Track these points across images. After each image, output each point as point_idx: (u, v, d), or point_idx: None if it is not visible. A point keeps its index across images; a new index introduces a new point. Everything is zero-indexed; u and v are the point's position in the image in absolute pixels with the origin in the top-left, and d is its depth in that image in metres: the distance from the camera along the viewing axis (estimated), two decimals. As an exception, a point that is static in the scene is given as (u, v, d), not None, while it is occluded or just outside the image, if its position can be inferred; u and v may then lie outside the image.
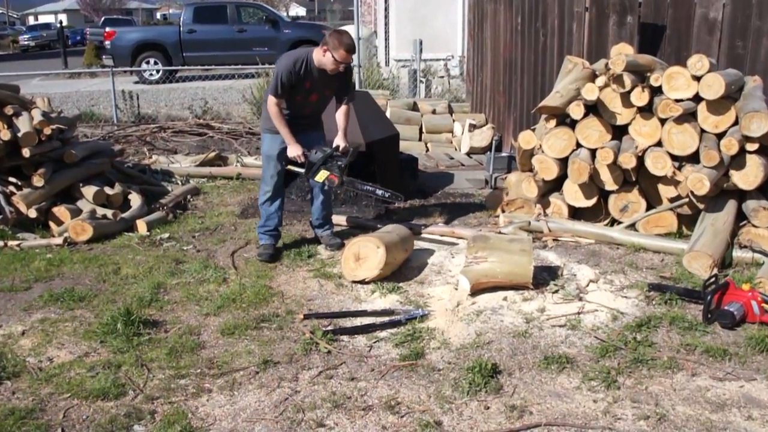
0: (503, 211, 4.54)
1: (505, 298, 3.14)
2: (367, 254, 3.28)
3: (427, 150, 7.29)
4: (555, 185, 4.50)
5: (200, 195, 5.27)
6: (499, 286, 3.19)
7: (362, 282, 3.31)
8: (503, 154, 5.82)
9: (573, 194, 4.24)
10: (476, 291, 3.15)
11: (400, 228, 3.67)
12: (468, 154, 6.93)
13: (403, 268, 3.58)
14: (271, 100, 3.45)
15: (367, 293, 3.25)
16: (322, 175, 3.54)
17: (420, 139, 7.43)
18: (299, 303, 3.14)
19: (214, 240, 4.12)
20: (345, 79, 3.56)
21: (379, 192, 3.48)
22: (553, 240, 4.03)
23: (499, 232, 3.97)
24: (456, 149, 7.25)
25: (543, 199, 4.47)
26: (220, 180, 5.79)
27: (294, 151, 3.56)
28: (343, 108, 3.65)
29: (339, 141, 3.62)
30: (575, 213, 4.40)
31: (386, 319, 2.92)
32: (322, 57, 3.39)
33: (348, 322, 2.93)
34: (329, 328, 2.85)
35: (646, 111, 3.98)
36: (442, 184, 5.75)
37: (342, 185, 3.52)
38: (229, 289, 3.28)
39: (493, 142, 5.77)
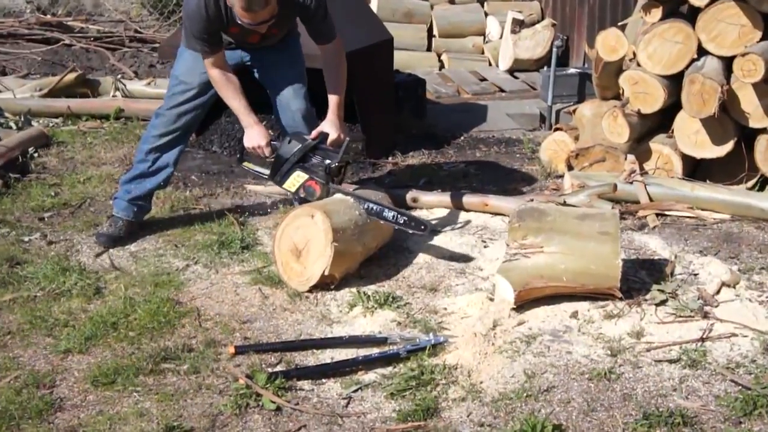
0: (570, 168, 4.54)
1: (574, 314, 3.16)
2: (305, 237, 3.31)
3: (442, 66, 7.25)
4: (659, 122, 4.50)
5: (52, 147, 5.21)
6: (565, 293, 3.20)
7: (325, 285, 3.34)
8: (571, 71, 5.81)
9: (691, 137, 4.25)
10: (525, 302, 3.16)
11: (369, 194, 3.70)
12: (511, 71, 6.90)
13: (401, 267, 3.59)
14: (207, 62, 3.51)
15: (343, 308, 3.26)
16: (295, 181, 3.59)
17: (429, 48, 7.39)
18: (227, 328, 3.13)
19: (78, 224, 4.10)
20: (305, 14, 3.54)
21: (389, 214, 3.49)
22: (657, 215, 4.06)
23: (564, 203, 3.97)
24: (491, 64, 7.22)
25: (639, 145, 4.48)
26: (86, 121, 5.73)
27: (254, 138, 3.62)
28: (331, 58, 3.66)
29: (327, 126, 3.65)
30: (695, 168, 4.41)
31: (375, 351, 2.93)
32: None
33: (311, 358, 2.94)
34: (279, 368, 2.85)
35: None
36: (467, 124, 5.74)
37: (327, 196, 3.57)
38: (107, 306, 3.27)
39: (554, 50, 5.74)
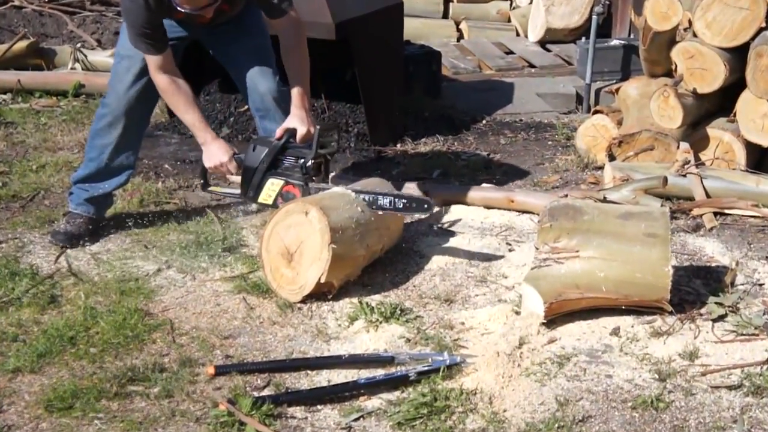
0: (612, 158, 4.54)
1: (615, 330, 3.16)
2: (298, 237, 3.32)
3: (461, 37, 7.26)
4: (719, 104, 4.48)
5: None
6: (604, 306, 3.21)
7: (322, 294, 3.34)
8: (613, 43, 5.80)
9: (757, 121, 4.24)
10: (557, 316, 3.17)
11: (364, 183, 3.72)
12: (542, 43, 6.90)
13: (411, 274, 3.60)
14: (152, 66, 3.56)
15: (342, 322, 3.26)
16: (271, 190, 3.66)
17: (446, 15, 7.39)
18: (206, 344, 3.13)
19: (30, 220, 4.11)
20: None
21: (384, 201, 3.50)
22: (716, 214, 4.05)
23: (604, 199, 3.97)
24: (519, 34, 7.22)
25: (694, 131, 4.46)
26: (39, 98, 5.75)
27: (214, 156, 3.69)
28: (288, 37, 3.68)
29: (293, 121, 3.69)
30: (762, 159, 4.39)
31: (380, 373, 2.93)
32: None
33: (304, 381, 2.94)
34: (266, 392, 2.86)
35: None
36: (490, 106, 5.73)
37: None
38: (64, 318, 3.27)
39: (594, 17, 5.74)
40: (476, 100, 5.75)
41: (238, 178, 3.75)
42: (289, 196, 3.62)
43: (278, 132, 3.68)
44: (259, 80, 3.81)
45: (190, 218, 4.04)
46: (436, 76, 5.74)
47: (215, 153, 3.69)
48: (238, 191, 3.78)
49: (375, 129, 4.94)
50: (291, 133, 3.67)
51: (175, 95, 3.63)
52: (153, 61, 3.57)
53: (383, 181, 3.89)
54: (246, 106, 5.18)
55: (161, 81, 3.60)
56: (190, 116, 3.67)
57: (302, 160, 3.61)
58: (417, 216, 3.51)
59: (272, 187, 3.66)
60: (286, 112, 3.73)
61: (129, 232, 3.95)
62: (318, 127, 3.63)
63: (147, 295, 3.44)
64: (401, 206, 3.49)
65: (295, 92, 3.69)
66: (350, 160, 4.81)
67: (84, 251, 3.80)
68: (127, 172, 3.93)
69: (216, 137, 3.74)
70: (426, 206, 3.47)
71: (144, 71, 3.71)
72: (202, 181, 3.91)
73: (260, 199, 3.71)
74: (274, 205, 3.66)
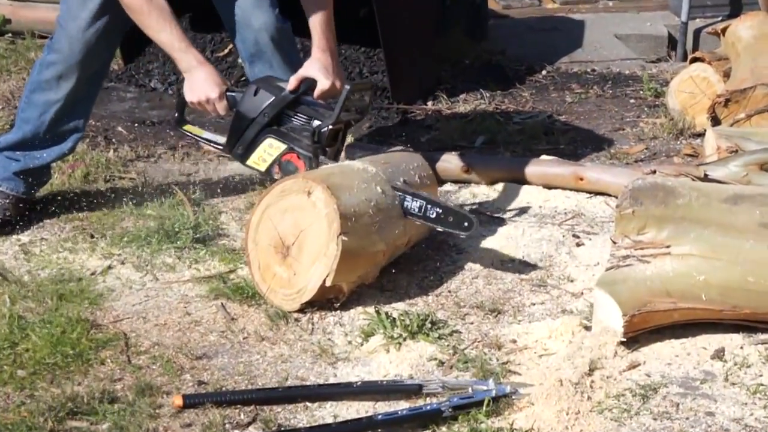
0: (716, 121, 4.51)
1: (719, 353, 3.16)
2: (297, 225, 3.33)
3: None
4: None
5: None
6: (704, 320, 3.21)
7: (327, 301, 3.36)
8: (718, -31, 5.77)
9: None
10: (640, 333, 3.17)
11: (391, 160, 3.72)
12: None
13: (445, 275, 3.62)
14: None
15: (354, 338, 3.28)
16: (267, 154, 3.63)
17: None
18: (171, 367, 3.15)
19: (-61, 199, 4.13)
20: None
21: (413, 204, 3.48)
22: None
23: (705, 176, 3.97)
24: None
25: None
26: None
27: (199, 88, 3.64)
28: None
29: (313, 69, 3.64)
30: None
31: (403, 407, 2.93)
32: None
33: (302, 415, 2.95)
34: (252, 430, 2.85)
35: None
36: (552, 51, 5.72)
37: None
38: (-16, 328, 3.30)
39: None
40: (534, 43, 5.74)
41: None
42: (290, 167, 3.60)
43: (293, 81, 3.61)
44: (254, 12, 3.79)
45: (152, 199, 4.06)
46: (481, 12, 5.73)
47: (201, 84, 3.64)
48: (222, 140, 3.75)
49: (398, 81, 4.93)
50: (308, 84, 3.62)
51: (144, 11, 3.56)
52: None
53: (411, 154, 3.88)
54: (226, 50, 5.22)
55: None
56: (166, 35, 3.60)
57: (317, 124, 3.57)
58: (444, 231, 3.47)
59: (269, 149, 3.63)
60: (285, 57, 3.71)
61: (70, 216, 3.97)
62: (348, 87, 3.56)
63: (93, 301, 3.46)
64: (433, 216, 3.46)
65: (318, 27, 3.66)
66: (365, 123, 4.80)
67: (10, 241, 3.84)
68: (74, 137, 3.94)
69: (204, 62, 3.67)
70: (466, 224, 3.44)
71: (105, 5, 3.69)
72: (176, 115, 3.87)
73: (250, 161, 3.69)
74: (267, 174, 3.66)
